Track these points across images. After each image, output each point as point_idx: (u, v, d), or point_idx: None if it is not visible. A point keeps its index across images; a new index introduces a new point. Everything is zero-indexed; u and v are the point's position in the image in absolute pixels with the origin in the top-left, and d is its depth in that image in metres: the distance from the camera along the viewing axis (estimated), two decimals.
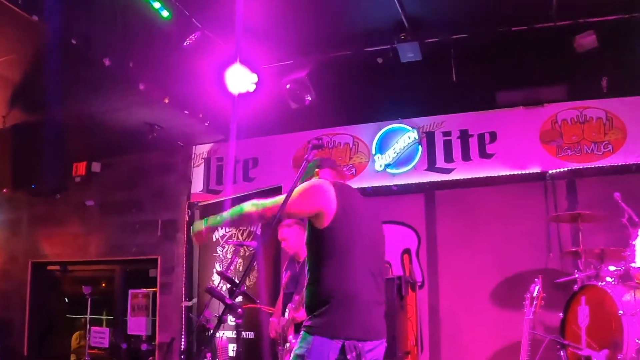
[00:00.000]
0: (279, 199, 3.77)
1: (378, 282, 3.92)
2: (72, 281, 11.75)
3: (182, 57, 8.05)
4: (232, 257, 7.56)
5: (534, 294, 5.61)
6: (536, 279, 5.71)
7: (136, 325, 9.87)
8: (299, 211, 3.93)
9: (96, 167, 10.50)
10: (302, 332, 3.75)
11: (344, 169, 9.09)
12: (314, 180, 4.08)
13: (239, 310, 3.45)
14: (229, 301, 3.38)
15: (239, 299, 3.79)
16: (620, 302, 5.57)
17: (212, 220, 3.95)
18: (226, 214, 3.90)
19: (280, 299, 6.99)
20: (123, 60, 7.33)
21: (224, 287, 8.17)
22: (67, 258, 10.96)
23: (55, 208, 10.81)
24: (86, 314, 10.56)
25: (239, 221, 4.03)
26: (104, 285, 11.06)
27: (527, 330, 5.40)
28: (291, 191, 3.74)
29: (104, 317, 10.67)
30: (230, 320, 8.19)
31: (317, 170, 4.26)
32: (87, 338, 9.29)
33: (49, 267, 11.35)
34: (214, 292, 3.49)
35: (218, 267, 8.75)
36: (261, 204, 3.82)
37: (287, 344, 6.42)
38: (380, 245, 4.12)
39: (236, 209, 3.86)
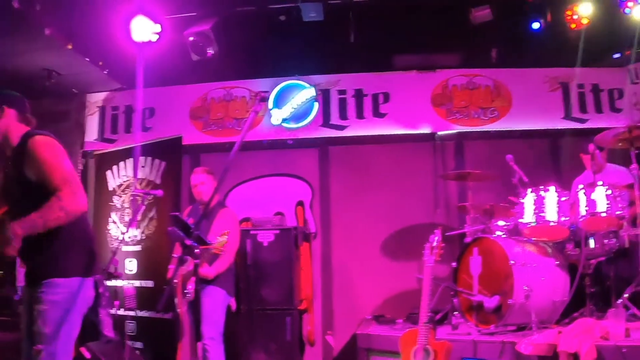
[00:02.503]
0: (61, 182, 3.89)
1: None
2: None
3: (86, 1, 8.05)
4: (139, 205, 7.73)
5: (434, 244, 5.90)
6: (436, 230, 6.02)
7: None
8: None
9: None
10: None
11: (236, 121, 9.52)
12: (48, 140, 4.05)
13: (197, 250, 3.68)
14: (188, 242, 3.65)
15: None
16: (511, 252, 6.14)
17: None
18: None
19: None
20: (30, 3, 7.26)
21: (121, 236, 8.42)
22: None
23: None
24: None
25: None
26: None
27: (428, 277, 5.72)
28: (51, 168, 3.89)
29: None
30: (128, 270, 8.52)
31: (4, 106, 4.14)
32: None
33: None
34: (174, 234, 3.76)
35: (114, 217, 8.84)
36: (67, 204, 3.86)
37: (187, 294, 6.80)
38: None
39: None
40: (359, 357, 6.92)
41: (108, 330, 6.91)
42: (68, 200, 3.88)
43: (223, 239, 6.17)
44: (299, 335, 8.34)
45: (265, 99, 3.88)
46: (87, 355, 7.29)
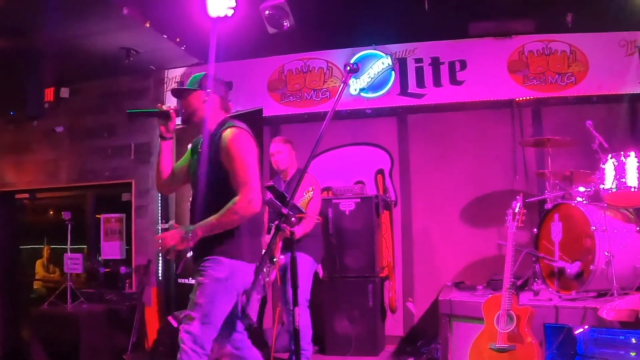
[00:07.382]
0: (242, 182, 4.35)
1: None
2: (40, 209, 12.07)
3: None
4: None
5: (516, 210, 6.07)
6: (517, 196, 6.22)
7: (110, 249, 10.29)
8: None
9: (65, 92, 10.55)
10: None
11: (318, 92, 9.83)
12: (241, 135, 4.48)
13: (293, 219, 3.91)
14: (284, 211, 3.84)
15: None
16: (593, 218, 6.25)
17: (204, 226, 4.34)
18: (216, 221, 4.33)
19: (265, 215, 7.52)
20: None
21: None
22: (37, 185, 11.08)
23: (23, 135, 10.93)
24: (47, 243, 11.23)
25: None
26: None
27: (511, 243, 5.92)
28: (238, 165, 4.36)
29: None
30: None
31: (209, 90, 4.59)
32: (68, 264, 9.35)
33: (17, 196, 11.50)
34: (272, 203, 3.92)
35: None
36: (240, 208, 4.31)
37: (276, 261, 7.20)
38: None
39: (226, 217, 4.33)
40: (441, 323, 7.04)
41: (253, 314, 7.43)
42: (243, 206, 4.32)
43: (308, 195, 6.57)
44: (380, 302, 8.65)
45: (354, 71, 4.13)
46: (174, 324, 7.74)
